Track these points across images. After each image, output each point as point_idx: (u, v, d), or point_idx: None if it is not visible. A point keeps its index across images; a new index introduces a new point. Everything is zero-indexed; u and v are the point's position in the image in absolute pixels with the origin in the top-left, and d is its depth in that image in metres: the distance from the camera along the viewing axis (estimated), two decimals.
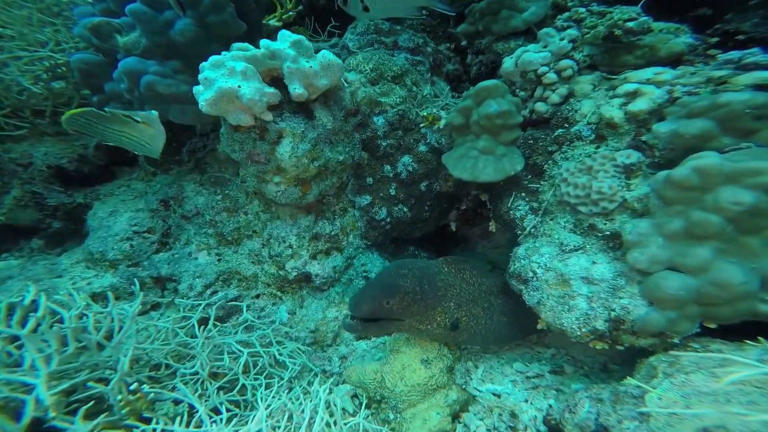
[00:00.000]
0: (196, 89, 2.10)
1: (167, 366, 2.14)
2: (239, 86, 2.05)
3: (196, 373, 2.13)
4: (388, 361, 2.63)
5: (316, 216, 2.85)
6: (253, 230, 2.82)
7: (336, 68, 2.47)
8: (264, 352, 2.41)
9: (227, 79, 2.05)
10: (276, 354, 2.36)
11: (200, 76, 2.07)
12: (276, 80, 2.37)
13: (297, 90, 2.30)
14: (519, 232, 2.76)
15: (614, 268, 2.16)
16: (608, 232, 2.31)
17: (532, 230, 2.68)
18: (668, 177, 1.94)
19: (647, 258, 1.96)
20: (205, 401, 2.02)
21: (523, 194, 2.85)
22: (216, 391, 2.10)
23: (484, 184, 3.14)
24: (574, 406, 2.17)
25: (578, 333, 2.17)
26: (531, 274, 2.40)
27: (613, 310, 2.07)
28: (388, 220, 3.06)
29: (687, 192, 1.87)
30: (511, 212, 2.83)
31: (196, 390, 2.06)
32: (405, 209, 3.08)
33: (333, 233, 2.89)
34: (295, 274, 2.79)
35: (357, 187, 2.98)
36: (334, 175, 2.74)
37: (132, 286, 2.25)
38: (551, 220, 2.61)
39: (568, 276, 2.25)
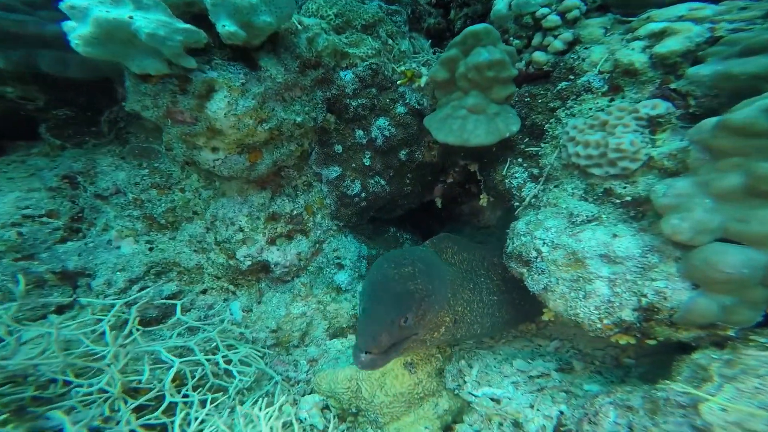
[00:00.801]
0: (68, 24, 1.46)
1: (66, 383, 1.56)
2: (131, 17, 1.43)
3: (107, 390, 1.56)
4: None
5: (273, 192, 2.27)
6: (192, 211, 2.21)
7: (283, 1, 1.85)
8: (207, 359, 1.84)
9: (110, 7, 1.42)
10: (221, 361, 1.80)
11: (62, 4, 1.42)
12: (200, 19, 1.75)
13: (227, 28, 1.68)
14: (516, 204, 2.23)
15: (642, 241, 1.65)
16: (629, 198, 1.80)
17: (533, 201, 2.16)
18: (722, 123, 1.42)
19: (691, 226, 1.45)
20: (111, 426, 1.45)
21: (520, 160, 2.32)
22: (131, 412, 1.53)
23: (473, 151, 2.60)
24: (595, 414, 1.69)
25: (598, 326, 1.66)
26: (534, 254, 1.87)
27: (645, 296, 1.57)
28: (363, 195, 2.49)
29: (750, 140, 1.36)
30: (507, 181, 2.29)
31: (101, 413, 1.49)
32: (382, 182, 2.51)
33: (295, 213, 2.32)
34: (249, 263, 2.21)
35: (323, 156, 2.40)
36: (291, 141, 2.15)
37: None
38: (556, 187, 2.08)
39: (582, 254, 1.73)
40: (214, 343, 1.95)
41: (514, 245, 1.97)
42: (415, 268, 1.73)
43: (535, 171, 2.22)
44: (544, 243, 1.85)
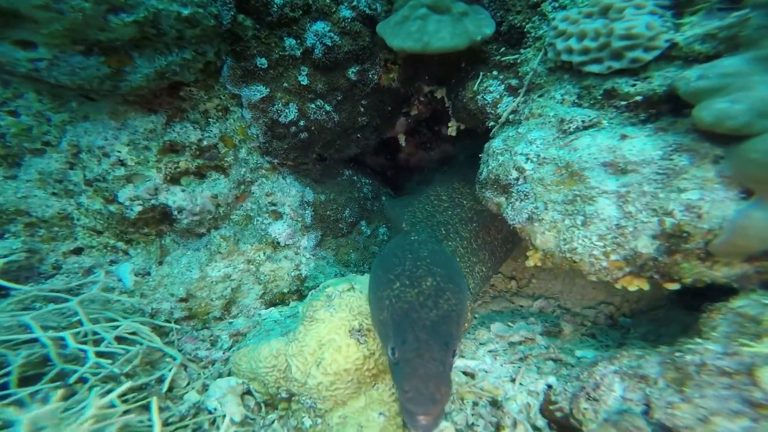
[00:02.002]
0: None
1: None
2: None
3: None
4: (296, 336, 1.56)
5: (170, 117, 1.65)
6: (41, 142, 1.56)
7: None
8: (59, 337, 1.27)
9: None
10: (69, 340, 1.23)
11: None
12: None
13: None
14: (491, 123, 1.71)
15: (663, 141, 1.16)
16: (639, 98, 1.31)
17: (511, 117, 1.63)
18: None
19: (750, 106, 0.96)
20: None
21: (495, 72, 1.79)
22: None
23: (438, 67, 2.05)
24: (595, 388, 1.22)
25: (603, 263, 1.18)
26: (515, 174, 1.36)
27: (669, 214, 1.09)
28: (302, 124, 1.90)
29: None
30: (479, 97, 1.76)
31: None
32: (327, 108, 1.93)
33: (206, 143, 1.71)
34: (140, 208, 1.60)
35: (240, 72, 1.79)
36: (184, 47, 1.52)
37: None
38: (540, 96, 1.57)
39: (579, 165, 1.23)
40: (78, 317, 1.37)
41: (490, 168, 1.44)
42: (435, 277, 1.34)
43: (514, 82, 1.70)
44: (528, 159, 1.33)
